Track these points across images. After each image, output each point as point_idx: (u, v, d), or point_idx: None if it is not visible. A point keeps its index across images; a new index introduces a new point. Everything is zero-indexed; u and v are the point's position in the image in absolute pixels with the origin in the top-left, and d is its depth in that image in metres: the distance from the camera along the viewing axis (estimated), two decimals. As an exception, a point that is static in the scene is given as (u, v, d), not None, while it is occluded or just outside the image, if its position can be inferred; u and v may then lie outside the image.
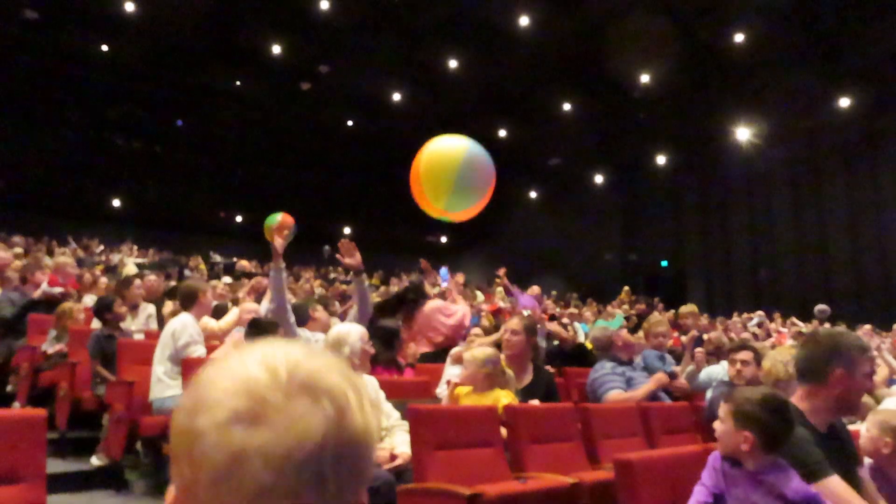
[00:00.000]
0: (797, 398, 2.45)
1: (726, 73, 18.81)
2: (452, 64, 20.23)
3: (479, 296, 16.50)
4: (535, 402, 4.11)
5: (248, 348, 0.62)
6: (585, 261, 23.96)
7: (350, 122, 24.08)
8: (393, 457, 3.26)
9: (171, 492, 0.60)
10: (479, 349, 4.01)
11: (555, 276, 23.07)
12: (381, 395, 3.53)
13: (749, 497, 2.19)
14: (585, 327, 10.52)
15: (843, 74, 17.32)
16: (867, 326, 12.03)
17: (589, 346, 7.72)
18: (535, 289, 10.61)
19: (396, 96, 22.07)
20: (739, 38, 17.72)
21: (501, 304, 13.18)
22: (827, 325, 12.53)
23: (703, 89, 19.54)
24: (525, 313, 7.46)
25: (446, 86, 20.81)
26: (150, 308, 6.71)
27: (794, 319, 13.58)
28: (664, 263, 23.16)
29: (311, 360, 0.61)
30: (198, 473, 0.56)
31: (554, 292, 18.56)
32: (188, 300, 5.20)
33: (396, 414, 3.50)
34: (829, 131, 18.89)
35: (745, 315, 14.58)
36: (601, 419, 4.31)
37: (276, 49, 19.85)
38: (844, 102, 18.07)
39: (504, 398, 3.82)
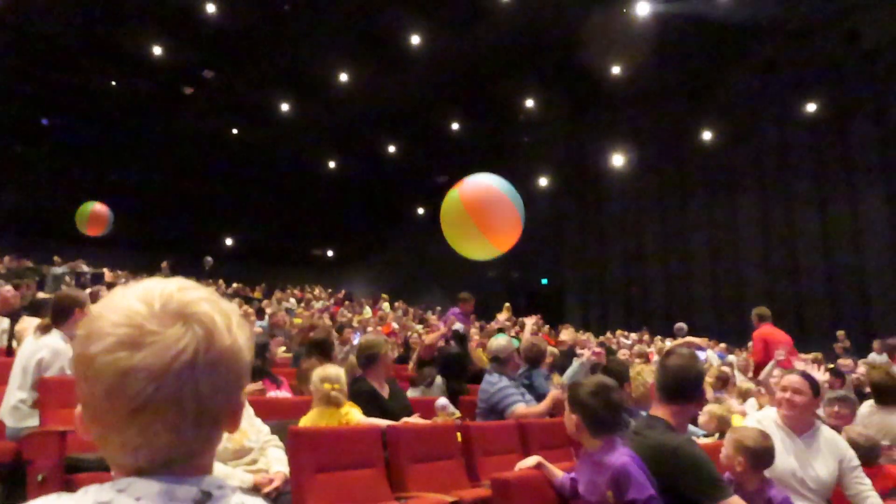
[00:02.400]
0: (667, 415, 2.57)
1: (605, 102, 19.86)
2: (343, 77, 20.13)
3: (367, 310, 16.45)
4: (415, 419, 4.10)
5: (132, 286, 0.75)
6: (470, 277, 24.38)
7: (235, 131, 23.37)
8: (270, 480, 3.15)
9: (78, 408, 0.73)
10: (319, 369, 3.96)
11: (440, 292, 23.34)
12: (251, 411, 3.42)
13: (591, 478, 2.34)
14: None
15: (707, 110, 18.74)
16: (722, 344, 13.03)
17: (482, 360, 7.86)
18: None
19: (285, 107, 21.65)
20: (617, 70, 18.79)
21: (394, 326, 13.19)
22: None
23: (584, 116, 20.53)
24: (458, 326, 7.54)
25: (337, 99, 20.66)
26: (4, 322, 6.15)
27: (660, 338, 14.40)
28: (544, 281, 23.97)
29: (183, 292, 0.74)
30: (94, 389, 0.70)
31: (439, 308, 18.77)
32: (62, 314, 4.26)
33: (266, 429, 3.41)
34: (694, 162, 20.34)
35: (619, 332, 15.35)
36: (481, 436, 4.38)
37: (158, 50, 18.97)
38: (707, 136, 19.55)
39: (353, 413, 3.79)
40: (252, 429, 3.32)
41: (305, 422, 3.78)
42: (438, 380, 6.48)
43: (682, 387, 2.60)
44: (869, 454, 3.53)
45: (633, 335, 14.51)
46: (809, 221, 18.00)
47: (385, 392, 4.42)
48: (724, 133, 19.13)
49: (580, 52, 18.19)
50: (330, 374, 3.83)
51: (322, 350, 5.41)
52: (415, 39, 18.51)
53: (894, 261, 16.12)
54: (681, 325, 14.81)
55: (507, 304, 15.65)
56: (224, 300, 0.77)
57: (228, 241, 25.59)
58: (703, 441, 4.26)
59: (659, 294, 20.80)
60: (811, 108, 17.69)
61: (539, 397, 5.39)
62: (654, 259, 21.43)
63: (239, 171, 23.77)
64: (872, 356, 10.73)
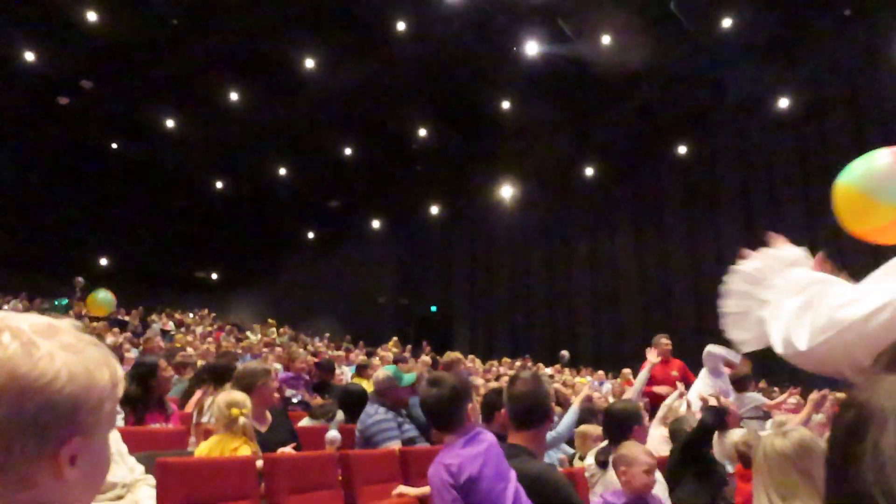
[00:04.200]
0: (525, 441, 2.62)
1: (495, 135, 20.50)
2: (234, 97, 19.70)
3: (253, 337, 15.97)
4: (289, 450, 4.02)
5: None
6: (360, 304, 24.28)
7: (115, 145, 22.25)
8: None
9: None
10: (224, 394, 3.86)
11: (329, 318, 23.06)
12: (124, 448, 3.27)
13: None
14: (353, 369, 10.61)
15: (590, 148, 19.77)
16: (600, 372, 13.60)
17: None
18: None
19: (170, 122, 20.87)
20: (506, 104, 19.49)
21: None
22: (567, 370, 13.96)
23: (475, 148, 21.08)
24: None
25: (226, 118, 20.16)
26: None
27: (541, 365, 14.86)
28: (434, 309, 24.22)
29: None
30: None
31: (327, 334, 18.54)
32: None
33: (140, 468, 3.26)
34: (577, 196, 21.32)
35: (504, 359, 15.71)
36: (361, 465, 4.37)
37: (30, 56, 17.85)
38: (589, 172, 20.60)
39: (243, 447, 3.67)
40: (123, 464, 3.17)
41: (201, 452, 3.62)
42: (340, 414, 6.32)
43: (533, 412, 2.63)
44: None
45: (517, 362, 14.90)
46: (679, 253, 19.26)
47: (265, 423, 4.27)
48: (605, 170, 20.23)
49: (472, 85, 18.74)
50: (237, 398, 3.70)
51: (218, 377, 5.20)
52: (309, 63, 18.44)
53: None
54: (564, 352, 15.42)
55: (395, 339, 15.70)
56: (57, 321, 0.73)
57: (103, 262, 24.20)
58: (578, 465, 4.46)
59: (543, 322, 21.51)
60: (682, 150, 19.04)
61: (421, 427, 5.45)
62: (538, 288, 22.17)
63: (118, 187, 22.61)
64: None
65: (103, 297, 13.35)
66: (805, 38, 15.50)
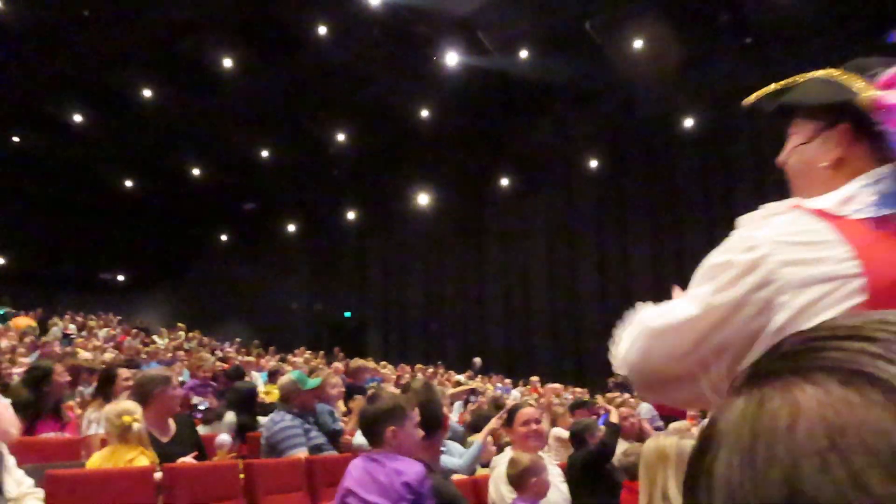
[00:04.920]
0: (421, 450, 2.65)
1: (412, 143, 20.63)
2: (147, 93, 19.03)
3: (160, 342, 15.43)
4: (190, 460, 3.92)
5: None
6: (273, 308, 23.87)
7: (16, 138, 21.05)
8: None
9: None
10: (113, 403, 3.76)
11: (241, 323, 22.58)
12: (11, 460, 3.12)
13: None
14: (265, 376, 10.47)
15: (505, 159, 20.20)
16: (507, 380, 13.90)
17: (271, 394, 7.73)
18: None
19: (77, 117, 19.91)
20: (425, 113, 19.67)
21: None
22: (479, 377, 14.21)
23: (392, 155, 21.14)
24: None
25: (138, 115, 19.43)
26: None
27: (452, 373, 15.05)
28: (347, 314, 24.08)
29: None
30: None
31: (238, 339, 18.14)
32: None
33: (29, 481, 3.14)
34: (492, 207, 21.72)
35: (417, 366, 15.81)
36: (265, 474, 4.34)
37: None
38: (505, 182, 21.05)
39: (142, 460, 3.55)
40: (9, 477, 3.04)
41: (94, 463, 3.49)
42: (229, 416, 6.26)
43: (426, 422, 2.67)
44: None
45: (430, 369, 15.03)
46: (588, 266, 19.92)
47: (168, 433, 4.12)
48: (520, 182, 20.71)
49: (391, 92, 18.81)
50: (128, 406, 3.57)
51: (100, 385, 4.98)
52: (227, 63, 18.05)
53: (659, 298, 18.24)
54: (476, 359, 15.68)
55: (303, 348, 15.55)
56: None
57: (0, 261, 22.86)
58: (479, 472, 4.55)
59: (456, 329, 21.75)
60: (594, 164, 19.72)
61: (328, 434, 5.45)
62: (452, 296, 22.41)
63: (16, 182, 21.40)
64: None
65: None
66: (709, 63, 16.38)
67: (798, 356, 0.35)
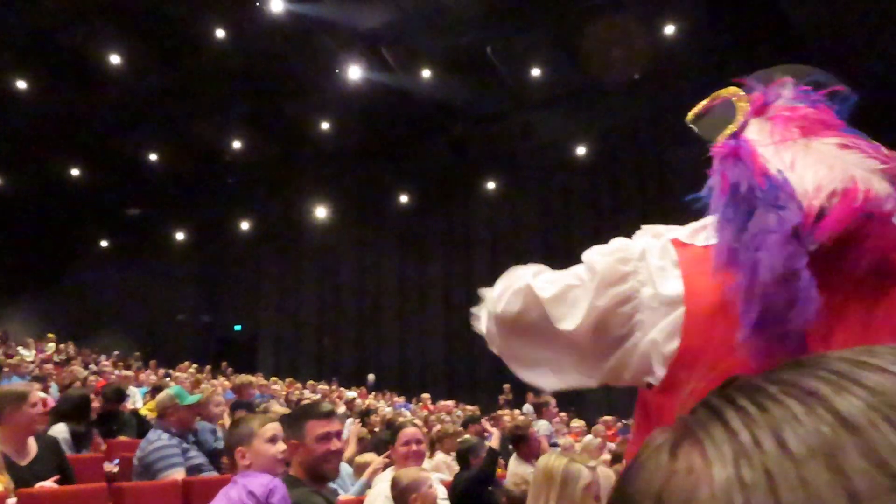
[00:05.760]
0: (294, 468, 2.67)
1: (312, 154, 20.36)
2: (21, 84, 17.73)
3: (26, 353, 14.29)
4: (50, 484, 3.65)
5: None
6: (157, 320, 22.76)
7: None
8: None
9: None
10: None
11: (120, 334, 21.37)
12: None
13: None
14: (144, 391, 9.94)
15: (405, 176, 20.29)
16: (402, 397, 13.87)
17: (147, 412, 7.31)
18: None
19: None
20: (326, 125, 19.48)
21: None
22: (373, 395, 14.09)
23: (291, 165, 20.76)
24: None
25: (11, 107, 18.06)
26: None
27: (342, 389, 14.84)
28: (238, 328, 23.29)
29: None
30: None
31: (116, 352, 17.17)
32: None
33: None
34: (391, 223, 21.72)
35: (309, 382, 15.49)
36: (137, 498, 4.11)
37: None
38: (404, 199, 21.11)
39: None
40: None
41: None
42: (59, 428, 5.55)
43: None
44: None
45: (322, 385, 14.77)
46: (484, 283, 20.20)
47: (26, 456, 3.72)
48: (419, 200, 20.84)
49: (292, 102, 18.52)
50: None
51: None
52: (115, 59, 17.16)
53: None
54: (370, 376, 15.57)
55: (188, 363, 14.95)
56: None
57: None
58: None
59: (351, 345, 21.51)
60: (491, 185, 20.16)
61: (209, 453, 5.22)
62: (347, 311, 22.17)
63: None
64: (526, 407, 11.92)
65: None
66: (601, 95, 17.19)
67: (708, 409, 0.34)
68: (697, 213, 1.07)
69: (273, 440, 2.63)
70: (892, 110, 8.70)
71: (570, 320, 1.05)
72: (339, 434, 2.84)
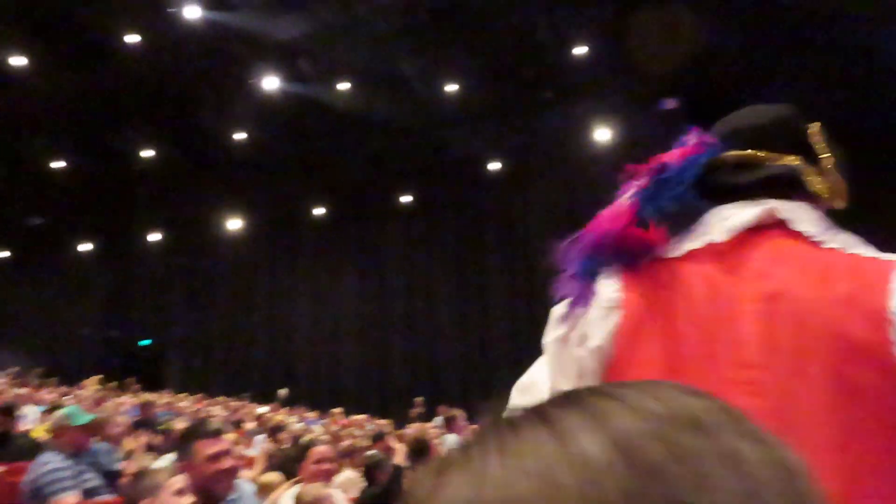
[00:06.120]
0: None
1: (225, 164, 19.98)
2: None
3: None
4: None
5: None
6: (59, 334, 21.76)
7: None
8: None
9: None
10: None
11: (20, 350, 20.31)
12: None
13: None
14: (42, 409, 9.54)
15: (321, 188, 20.19)
16: (314, 413, 13.76)
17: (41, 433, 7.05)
18: None
19: None
20: (241, 135, 19.20)
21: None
22: (285, 409, 13.97)
23: (203, 175, 20.31)
24: None
25: None
26: None
27: (256, 405, 14.64)
28: (146, 342, 22.50)
29: None
30: None
31: (15, 368, 16.32)
32: None
33: None
34: (305, 235, 21.56)
35: (219, 398, 15.19)
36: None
37: None
38: (320, 212, 21.00)
39: None
40: None
41: None
42: None
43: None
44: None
45: (232, 402, 14.52)
46: (398, 297, 20.37)
47: None
48: (333, 211, 20.78)
49: (206, 111, 18.18)
50: None
51: None
52: (17, 61, 16.42)
53: (462, 330, 19.08)
54: (281, 391, 15.41)
55: (99, 377, 14.45)
56: None
57: None
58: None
59: (263, 360, 21.16)
60: (406, 199, 20.32)
61: (107, 475, 5.13)
62: (259, 325, 21.80)
63: None
64: (437, 420, 12.09)
65: None
66: (514, 113, 17.67)
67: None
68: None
69: (181, 493, 2.59)
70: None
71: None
72: (228, 453, 2.83)
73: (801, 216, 1.19)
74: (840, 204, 1.26)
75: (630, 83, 16.18)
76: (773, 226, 1.19)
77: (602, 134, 17.31)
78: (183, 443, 2.89)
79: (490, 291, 19.17)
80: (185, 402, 13.19)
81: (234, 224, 21.34)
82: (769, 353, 1.09)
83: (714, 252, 1.19)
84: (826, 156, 1.26)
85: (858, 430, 1.01)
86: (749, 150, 1.26)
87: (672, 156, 1.25)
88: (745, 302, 1.13)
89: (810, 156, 1.26)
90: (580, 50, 16.30)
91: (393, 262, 20.58)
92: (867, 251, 1.14)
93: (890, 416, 1.00)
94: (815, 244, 1.17)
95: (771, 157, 1.24)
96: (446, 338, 19.13)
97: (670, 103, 15.75)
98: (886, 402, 1.00)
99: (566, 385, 1.19)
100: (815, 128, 1.30)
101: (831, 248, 1.15)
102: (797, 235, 1.18)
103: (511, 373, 1.34)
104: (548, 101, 17.52)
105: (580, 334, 1.20)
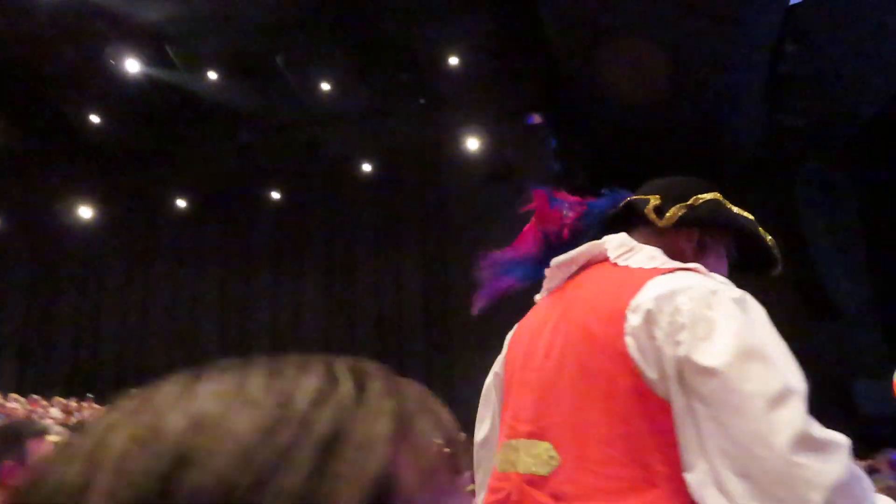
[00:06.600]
0: None
1: (78, 149, 18.66)
2: None
3: None
4: None
5: None
6: None
7: None
8: None
9: None
10: None
11: None
12: None
13: None
14: None
15: (184, 180, 19.31)
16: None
17: None
18: None
19: None
20: (96, 119, 17.99)
21: None
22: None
23: (51, 159, 18.84)
24: None
25: None
26: None
27: (97, 406, 13.76)
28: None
29: None
30: None
31: None
32: None
33: None
34: (165, 228, 20.47)
35: (56, 398, 14.08)
36: None
37: None
38: (182, 204, 20.02)
39: None
40: None
41: None
42: None
43: None
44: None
45: (73, 403, 13.52)
46: (261, 298, 19.79)
47: None
48: (197, 205, 19.88)
49: (57, 90, 16.91)
50: None
51: None
52: None
53: (328, 339, 18.86)
54: (133, 391, 14.44)
55: None
56: None
57: None
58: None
59: (112, 358, 19.84)
60: (276, 196, 19.82)
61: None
62: (111, 322, 20.45)
63: None
64: None
65: None
66: (389, 115, 17.76)
67: None
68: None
69: None
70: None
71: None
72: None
73: (615, 243, 1.47)
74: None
75: (500, 96, 16.77)
76: (598, 255, 1.48)
77: (472, 143, 17.75)
78: (13, 441, 2.66)
79: (361, 290, 19.06)
80: (16, 404, 12.10)
81: (85, 213, 19.86)
82: (545, 358, 1.39)
83: (554, 288, 1.54)
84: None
85: (589, 408, 1.26)
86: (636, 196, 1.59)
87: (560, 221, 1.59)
88: (549, 321, 1.44)
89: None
90: (454, 61, 16.69)
91: (259, 262, 19.98)
92: (654, 264, 1.38)
93: (622, 395, 1.23)
94: (614, 264, 1.43)
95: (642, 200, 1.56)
96: (313, 345, 18.81)
97: (536, 118, 16.46)
98: (617, 383, 1.24)
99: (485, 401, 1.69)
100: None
101: (625, 266, 1.39)
102: (606, 259, 1.45)
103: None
104: (422, 107, 17.75)
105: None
